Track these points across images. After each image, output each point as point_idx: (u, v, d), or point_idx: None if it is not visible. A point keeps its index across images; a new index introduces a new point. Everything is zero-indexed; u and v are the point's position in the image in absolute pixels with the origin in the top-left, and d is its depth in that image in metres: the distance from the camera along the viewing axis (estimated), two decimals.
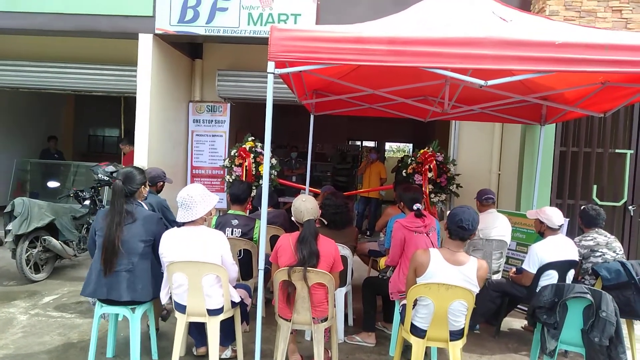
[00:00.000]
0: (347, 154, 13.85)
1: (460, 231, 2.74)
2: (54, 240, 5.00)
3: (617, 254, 3.75)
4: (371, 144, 15.39)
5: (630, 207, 5.26)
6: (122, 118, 8.76)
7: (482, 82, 2.84)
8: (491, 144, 6.52)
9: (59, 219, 5.13)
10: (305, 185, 6.27)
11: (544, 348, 3.12)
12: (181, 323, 3.01)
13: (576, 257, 3.65)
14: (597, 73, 3.19)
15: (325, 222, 3.91)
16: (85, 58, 6.98)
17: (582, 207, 4.01)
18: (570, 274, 3.64)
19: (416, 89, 4.56)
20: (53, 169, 8.60)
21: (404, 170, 6.13)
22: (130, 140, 6.77)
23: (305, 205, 3.07)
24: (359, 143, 15.46)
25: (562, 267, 3.57)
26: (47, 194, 7.50)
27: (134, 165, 4.82)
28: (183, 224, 2.97)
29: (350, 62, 2.75)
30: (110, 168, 5.80)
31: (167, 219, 3.74)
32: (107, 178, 5.59)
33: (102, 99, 7.97)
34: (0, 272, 5.32)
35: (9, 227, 4.73)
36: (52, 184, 7.06)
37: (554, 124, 5.19)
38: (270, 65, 2.75)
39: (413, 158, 6.14)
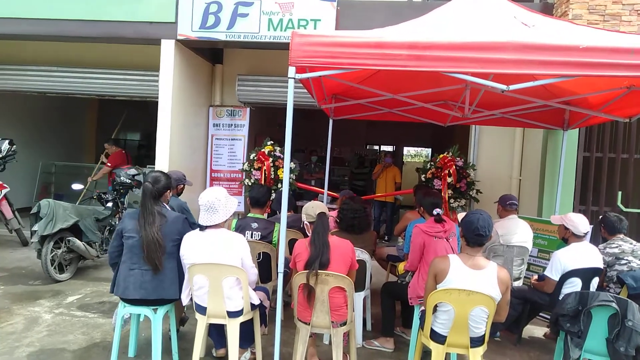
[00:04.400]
0: (365, 159, 13.82)
1: (478, 238, 2.72)
2: (77, 241, 5.11)
3: None
4: (389, 148, 15.34)
5: None
6: (120, 122, 9.00)
7: (503, 87, 2.82)
8: (512, 149, 6.44)
9: (82, 221, 5.25)
10: (323, 189, 6.29)
11: (567, 357, 3.06)
12: (201, 324, 3.05)
13: (600, 265, 3.58)
14: (622, 77, 3.13)
15: (340, 221, 3.94)
16: (109, 63, 7.14)
17: (603, 215, 3.93)
18: (594, 281, 3.57)
19: (436, 94, 4.54)
20: (77, 171, 8.81)
21: (424, 175, 6.09)
22: (116, 142, 7.90)
23: (315, 203, 3.30)
24: (376, 147, 15.42)
25: (585, 274, 3.50)
26: (71, 195, 7.70)
27: (160, 170, 4.94)
28: (204, 226, 3.01)
29: (371, 67, 2.76)
30: (132, 171, 5.92)
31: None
32: (129, 181, 5.71)
33: (123, 103, 8.13)
34: (25, 272, 5.46)
35: (35, 228, 4.86)
36: (76, 186, 7.22)
37: (577, 129, 5.10)
38: (291, 71, 2.78)
39: (432, 163, 6.11)
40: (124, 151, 7.92)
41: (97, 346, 3.60)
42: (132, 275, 3.04)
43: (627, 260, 3.66)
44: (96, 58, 7.15)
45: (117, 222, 5.72)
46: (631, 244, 3.74)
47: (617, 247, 3.74)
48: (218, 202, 2.96)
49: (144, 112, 10.34)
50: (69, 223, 5.04)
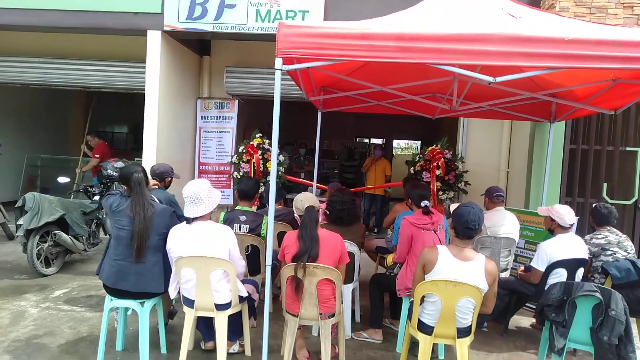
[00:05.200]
0: (355, 151, 13.83)
1: (468, 231, 2.74)
2: (64, 235, 5.05)
3: (629, 253, 3.72)
4: (379, 141, 15.36)
5: None
6: (90, 113, 8.87)
7: (490, 79, 2.83)
8: (500, 142, 6.49)
9: (69, 214, 5.19)
10: (312, 181, 6.28)
11: (552, 346, 3.10)
12: (189, 318, 3.04)
13: (585, 256, 3.63)
14: (608, 70, 3.15)
15: (329, 213, 3.95)
16: (95, 55, 7.04)
17: (593, 205, 3.98)
18: (580, 272, 3.61)
19: (424, 86, 4.54)
20: (63, 164, 8.71)
21: (412, 168, 6.12)
22: (99, 134, 7.85)
23: (305, 195, 3.28)
24: (366, 140, 15.43)
25: (571, 265, 3.55)
26: (57, 189, 7.61)
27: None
28: (190, 219, 2.99)
29: (358, 59, 2.74)
30: (120, 164, 5.85)
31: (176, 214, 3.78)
32: (116, 174, 5.64)
33: (111, 96, 8.03)
34: (11, 266, 5.40)
35: (20, 221, 4.80)
36: (62, 179, 7.13)
37: (564, 122, 5.15)
38: (278, 62, 2.75)
39: (421, 155, 6.13)
40: (106, 143, 7.84)
41: (84, 340, 3.57)
42: (115, 266, 3.04)
43: (612, 251, 3.71)
44: (82, 49, 7.04)
45: (104, 216, 5.67)
46: (617, 235, 3.80)
47: (603, 238, 3.79)
48: (202, 193, 2.96)
49: (131, 104, 10.22)
50: (55, 217, 4.98)
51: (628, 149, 5.21)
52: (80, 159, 8.07)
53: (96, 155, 7.43)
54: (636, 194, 5.20)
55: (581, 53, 2.50)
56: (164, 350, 3.34)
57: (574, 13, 4.59)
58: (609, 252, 3.71)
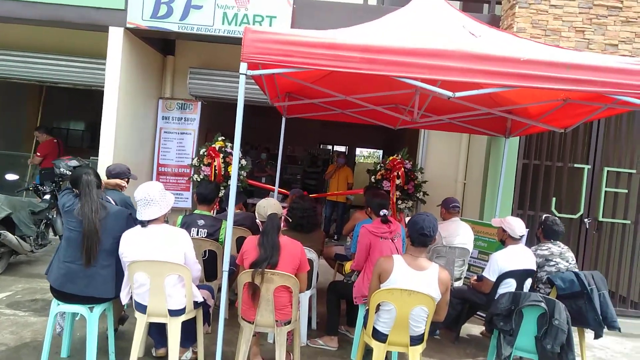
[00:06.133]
0: (318, 158, 13.89)
1: (422, 238, 2.81)
2: (9, 235, 4.80)
3: (570, 263, 3.91)
4: (342, 148, 15.50)
5: (586, 220, 5.48)
6: (40, 109, 8.54)
7: (450, 94, 2.92)
8: (458, 154, 6.67)
9: (16, 213, 4.93)
10: (274, 186, 6.26)
11: (499, 354, 3.22)
12: (141, 323, 2.95)
13: (534, 267, 3.79)
14: (558, 90, 3.32)
15: (290, 220, 3.94)
16: (53, 48, 6.76)
17: (545, 217, 4.13)
18: (528, 282, 3.77)
19: (388, 97, 4.63)
20: (13, 160, 8.28)
21: (373, 176, 6.20)
22: (48, 130, 7.50)
23: (268, 201, 3.21)
24: (330, 147, 15.54)
25: (520, 275, 3.70)
26: (5, 186, 7.22)
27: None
28: (145, 222, 2.91)
29: (324, 68, 2.76)
30: (74, 162, 5.62)
31: None
32: (70, 172, 5.42)
33: (68, 91, 7.72)
34: None
35: None
36: (11, 176, 6.77)
37: (518, 137, 5.36)
38: (243, 67, 2.75)
39: (382, 165, 6.23)
40: (55, 140, 7.49)
41: (27, 346, 3.40)
42: (64, 269, 2.92)
43: (555, 261, 3.89)
44: (38, 41, 6.74)
45: (54, 216, 5.43)
46: (559, 246, 3.98)
47: (547, 249, 3.96)
48: (155, 195, 2.90)
49: (89, 100, 9.85)
50: (1, 215, 4.72)
51: (576, 165, 5.47)
52: (32, 154, 7.69)
53: (38, 154, 7.10)
54: (582, 209, 5.47)
55: (535, 73, 2.63)
56: (112, 357, 3.22)
57: (530, 34, 4.81)
58: (552, 263, 3.89)
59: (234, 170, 2.97)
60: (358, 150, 17.40)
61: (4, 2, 5.52)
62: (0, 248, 4.88)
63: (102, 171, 4.11)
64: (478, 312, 4.53)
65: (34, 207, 5.27)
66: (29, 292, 4.50)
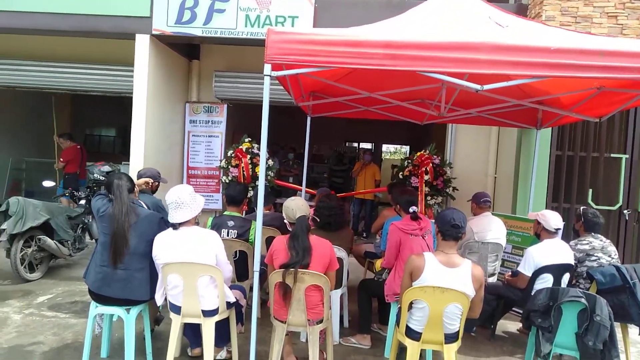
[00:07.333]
0: (344, 156, 13.85)
1: (454, 230, 2.76)
2: (48, 240, 4.98)
3: (612, 258, 3.77)
4: (368, 145, 15.41)
5: (625, 212, 5.29)
6: (54, 115, 8.69)
7: (478, 87, 2.86)
8: (487, 147, 6.54)
9: (54, 219, 5.11)
10: (301, 186, 6.28)
11: (538, 351, 3.13)
12: (176, 324, 3.01)
13: (571, 261, 3.66)
14: (592, 79, 3.21)
15: (318, 220, 3.93)
16: (83, 58, 6.97)
17: (584, 210, 3.99)
18: (566, 277, 3.65)
19: (413, 92, 4.57)
20: (48, 168, 8.56)
21: (401, 173, 6.14)
22: (71, 137, 7.65)
23: (296, 203, 3.16)
24: (356, 145, 15.47)
25: (557, 270, 3.59)
26: (43, 193, 7.49)
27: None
28: (177, 225, 2.97)
29: (347, 65, 2.75)
30: (106, 168, 5.80)
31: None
32: (103, 178, 5.58)
33: (99, 98, 7.95)
34: None
35: (4, 226, 4.72)
36: (48, 183, 7.03)
37: (550, 128, 5.21)
38: (267, 68, 2.76)
39: (410, 160, 6.16)
40: (79, 146, 7.70)
41: (69, 347, 3.52)
42: (101, 273, 3.00)
43: (597, 256, 3.75)
44: (69, 52, 6.96)
45: (90, 220, 5.60)
46: (601, 240, 3.84)
47: (587, 243, 3.83)
48: (185, 197, 2.94)
49: (119, 107, 10.12)
50: (40, 221, 4.90)
51: (613, 155, 5.29)
52: (55, 159, 7.92)
53: (61, 159, 7.31)
54: (621, 200, 5.28)
55: (566, 62, 2.54)
56: (149, 357, 3.29)
57: (560, 22, 4.66)
58: (593, 258, 3.75)
59: (261, 171, 2.99)
60: (385, 147, 17.28)
61: (41, 15, 5.73)
62: (40, 253, 5.07)
63: (133, 176, 4.21)
64: (514, 309, 4.42)
65: (71, 212, 5.46)
66: (68, 295, 4.66)
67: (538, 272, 3.60)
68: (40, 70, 7.04)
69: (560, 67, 2.55)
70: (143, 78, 5.84)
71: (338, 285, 3.82)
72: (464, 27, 2.93)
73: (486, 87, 2.86)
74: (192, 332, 3.35)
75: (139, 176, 4.10)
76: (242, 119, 8.58)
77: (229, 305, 3.11)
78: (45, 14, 5.72)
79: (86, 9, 5.67)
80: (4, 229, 4.71)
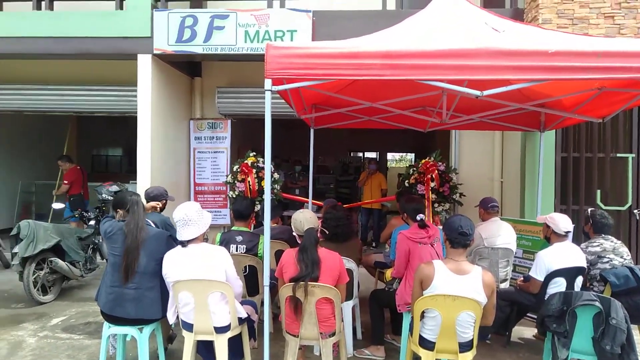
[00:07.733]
0: (350, 166, 13.86)
1: (462, 238, 2.75)
2: (60, 262, 5.02)
3: (625, 259, 3.72)
4: (373, 154, 15.42)
5: (635, 212, 5.24)
6: (68, 135, 8.93)
7: (478, 93, 2.87)
8: (492, 152, 6.53)
9: (64, 240, 5.15)
10: (308, 198, 6.29)
11: (555, 357, 3.08)
12: (189, 342, 3.01)
13: (584, 264, 3.62)
14: (592, 80, 3.21)
15: (327, 232, 3.93)
16: (86, 80, 7.04)
17: (592, 212, 3.95)
18: (579, 280, 3.61)
19: (414, 100, 4.58)
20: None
21: (407, 181, 6.14)
22: (70, 159, 7.75)
23: (304, 215, 3.19)
24: (360, 154, 15.49)
25: (569, 274, 3.55)
26: (53, 215, 7.56)
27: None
28: (185, 242, 2.99)
29: (347, 77, 2.78)
30: (114, 188, 5.85)
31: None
32: (111, 198, 5.63)
33: (104, 118, 8.04)
34: (8, 295, 5.34)
35: (16, 249, 4.77)
36: (57, 205, 7.10)
37: (554, 130, 5.20)
38: (268, 83, 2.80)
39: (415, 168, 6.16)
40: (78, 167, 7.78)
41: None
42: (112, 293, 3.03)
43: (609, 258, 3.71)
44: (73, 74, 7.05)
45: (100, 241, 5.64)
46: (612, 241, 3.79)
47: (598, 245, 3.78)
48: (193, 215, 2.96)
49: (124, 126, 10.23)
50: (51, 243, 4.94)
51: (619, 155, 5.25)
52: (56, 183, 8.00)
53: (65, 182, 7.38)
54: (630, 200, 5.23)
55: (564, 65, 2.55)
56: None
57: (557, 24, 4.67)
58: (605, 260, 3.71)
59: (267, 184, 3.01)
60: (390, 155, 17.27)
61: (42, 40, 5.82)
62: (52, 275, 5.10)
63: (141, 194, 4.24)
64: (528, 314, 4.37)
65: (81, 233, 5.51)
66: (82, 316, 4.67)
67: (550, 276, 3.56)
68: (45, 94, 7.09)
69: (559, 70, 2.56)
70: (146, 97, 5.90)
71: (349, 296, 3.81)
72: (462, 34, 2.94)
73: (486, 92, 2.87)
74: (205, 350, 3.33)
75: (147, 194, 4.13)
76: (246, 134, 8.65)
77: (240, 320, 3.10)
78: (47, 38, 5.81)
79: (87, 31, 5.75)
80: (16, 253, 4.75)
